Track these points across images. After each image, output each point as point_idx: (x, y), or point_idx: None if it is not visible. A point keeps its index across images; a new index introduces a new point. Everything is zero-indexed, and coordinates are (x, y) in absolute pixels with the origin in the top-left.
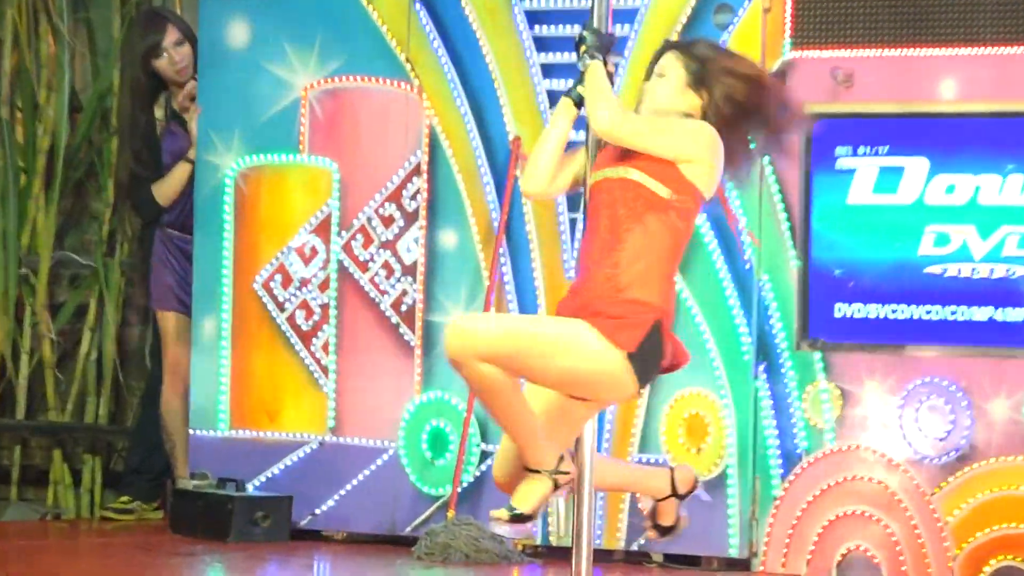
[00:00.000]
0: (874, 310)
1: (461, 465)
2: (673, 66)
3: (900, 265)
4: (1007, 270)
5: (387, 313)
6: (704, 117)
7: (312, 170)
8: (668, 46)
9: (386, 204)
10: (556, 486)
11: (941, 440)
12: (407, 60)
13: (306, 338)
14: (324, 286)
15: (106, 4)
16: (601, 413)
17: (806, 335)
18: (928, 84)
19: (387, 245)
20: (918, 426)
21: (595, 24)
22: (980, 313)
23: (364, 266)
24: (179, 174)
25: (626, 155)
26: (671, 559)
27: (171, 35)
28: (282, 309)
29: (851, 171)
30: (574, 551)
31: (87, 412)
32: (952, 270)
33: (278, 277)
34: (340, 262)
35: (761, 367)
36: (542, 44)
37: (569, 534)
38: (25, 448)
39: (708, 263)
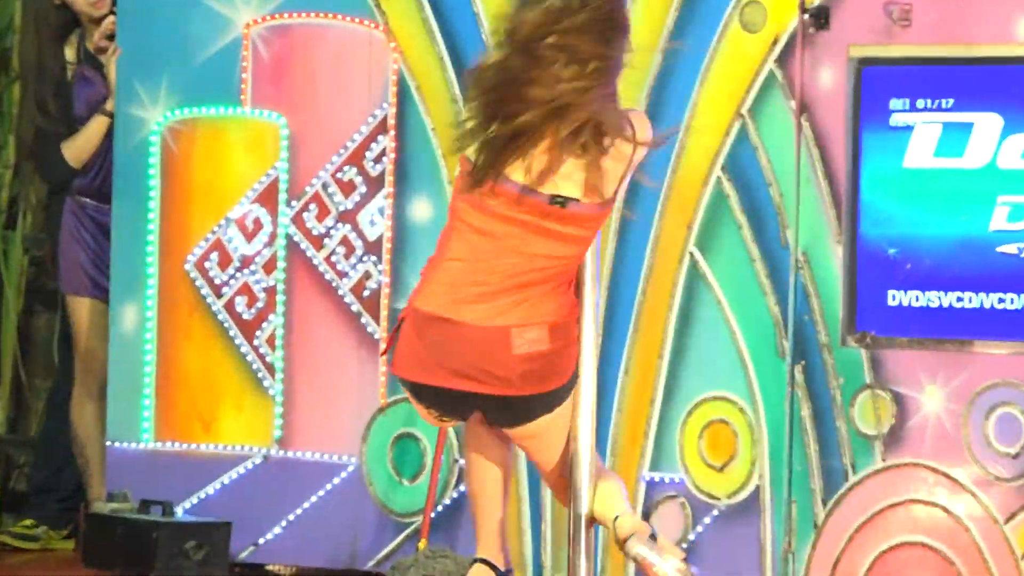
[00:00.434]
0: (935, 298)
1: (436, 484)
2: None
3: (967, 243)
4: None
5: (347, 300)
6: None
7: (256, 125)
8: None
9: (345, 167)
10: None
11: (1016, 457)
12: None
13: (248, 330)
14: (270, 267)
15: None
16: (604, 422)
17: (853, 328)
18: (1003, 23)
19: (346, 217)
20: (989, 439)
21: None
22: None
23: (318, 242)
24: (94, 129)
25: None
26: None
27: None
28: (219, 295)
29: (908, 129)
30: None
31: None
32: None
33: (214, 256)
34: (289, 237)
35: (798, 367)
36: None
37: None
38: None
39: (734, 239)
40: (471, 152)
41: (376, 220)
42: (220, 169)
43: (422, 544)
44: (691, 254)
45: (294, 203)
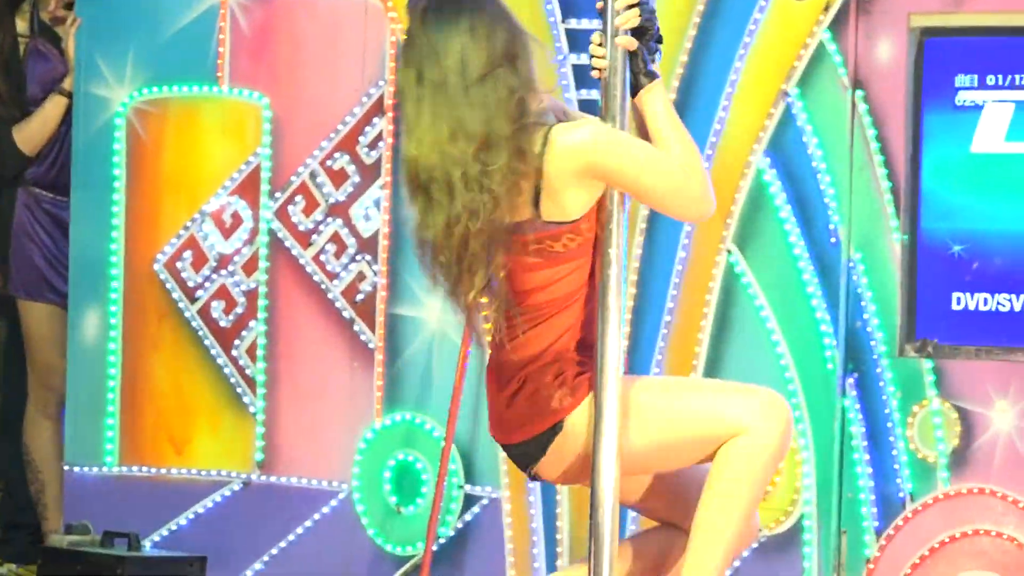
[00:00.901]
0: (1006, 302)
1: (437, 514)
2: None
3: None
4: None
5: (337, 304)
6: None
7: (234, 107)
8: None
9: (336, 154)
10: None
11: None
12: None
13: (226, 339)
14: (251, 267)
15: None
16: None
17: (913, 336)
18: None
19: (337, 211)
20: None
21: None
22: None
23: (305, 239)
24: (50, 112)
25: None
26: None
27: None
28: (193, 299)
29: (977, 108)
30: None
31: None
32: None
33: (187, 255)
34: (273, 233)
35: (851, 380)
36: None
37: None
38: None
39: (778, 235)
40: None
41: (371, 214)
42: (194, 156)
43: None
44: (728, 251)
45: (278, 195)
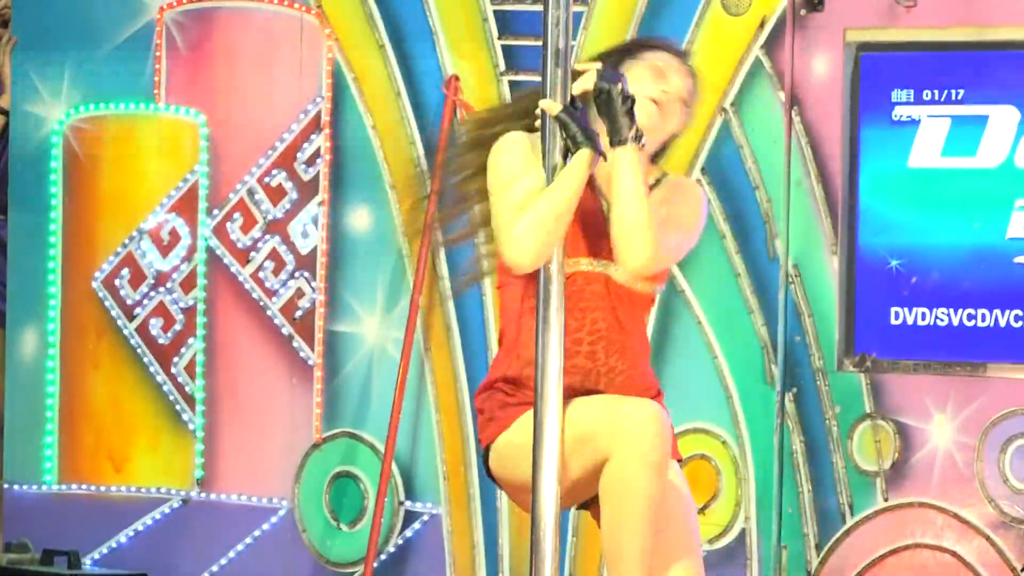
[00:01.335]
0: (944, 316)
1: (378, 530)
2: (686, 85)
3: (980, 253)
4: None
5: (276, 321)
6: None
7: (171, 124)
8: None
9: (274, 171)
10: None
11: None
12: None
13: (165, 356)
14: (189, 284)
15: None
16: None
17: (852, 351)
18: (1020, 2)
19: (275, 228)
20: (1004, 476)
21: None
22: None
23: (244, 256)
24: None
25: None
26: None
27: None
28: (131, 316)
29: (914, 123)
30: None
31: None
32: None
33: (125, 272)
34: (211, 251)
35: (789, 395)
36: None
37: None
38: None
39: (715, 251)
40: None
41: (309, 231)
42: (131, 174)
43: None
44: None
45: (216, 212)
